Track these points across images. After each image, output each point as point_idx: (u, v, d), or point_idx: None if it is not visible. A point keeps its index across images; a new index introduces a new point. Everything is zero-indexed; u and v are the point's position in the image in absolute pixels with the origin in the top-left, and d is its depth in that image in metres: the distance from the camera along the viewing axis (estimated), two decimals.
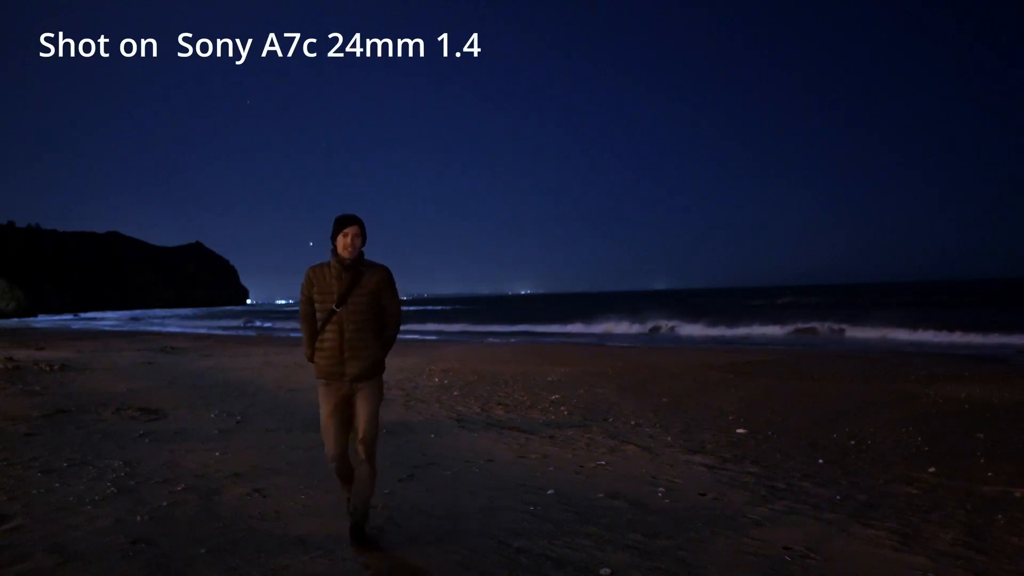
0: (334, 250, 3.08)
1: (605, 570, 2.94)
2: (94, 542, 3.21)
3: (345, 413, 3.11)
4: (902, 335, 18.41)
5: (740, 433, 6.06)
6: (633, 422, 6.59)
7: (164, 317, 57.78)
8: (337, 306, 3.04)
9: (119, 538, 3.26)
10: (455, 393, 8.49)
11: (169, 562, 2.98)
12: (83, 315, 75.54)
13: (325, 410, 3.09)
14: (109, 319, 59.13)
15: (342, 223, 3.06)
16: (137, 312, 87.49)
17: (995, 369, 10.95)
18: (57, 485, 4.19)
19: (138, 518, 3.56)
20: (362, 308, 3.05)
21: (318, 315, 3.10)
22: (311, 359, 3.13)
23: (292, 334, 26.90)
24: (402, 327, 3.35)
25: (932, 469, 4.78)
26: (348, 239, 3.04)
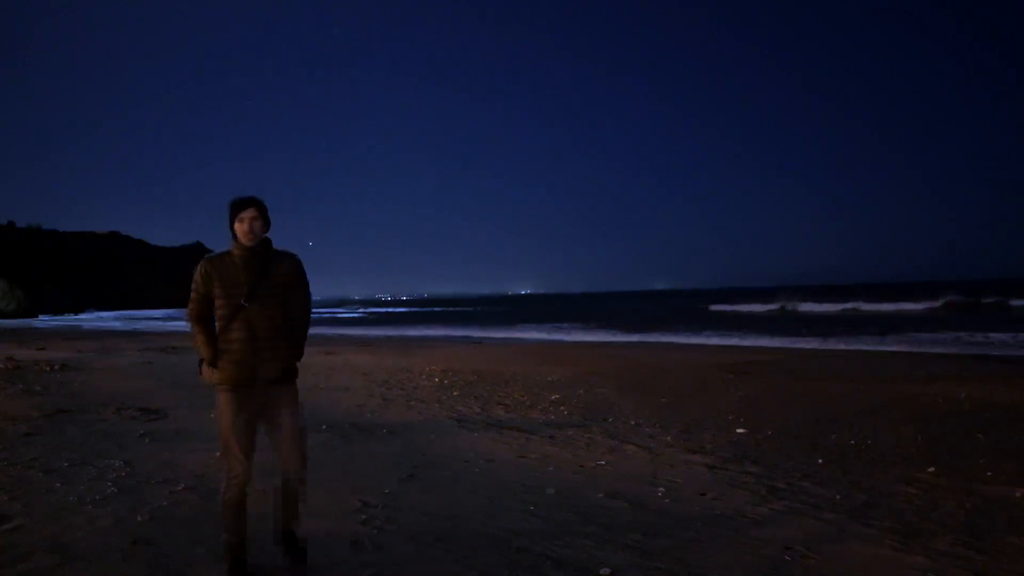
0: (234, 239, 2.80)
1: (605, 570, 2.94)
2: (94, 542, 3.21)
3: (253, 427, 2.80)
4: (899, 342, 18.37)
5: (740, 433, 6.06)
6: (633, 422, 6.59)
7: (152, 319, 57.55)
8: (246, 301, 2.73)
9: (119, 538, 3.26)
10: (455, 393, 8.50)
11: (169, 562, 2.98)
12: (83, 315, 75.54)
13: (229, 421, 2.73)
14: (104, 319, 59.11)
15: (237, 207, 2.77)
16: (136, 312, 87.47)
17: (995, 369, 10.95)
18: (57, 485, 4.19)
19: (138, 518, 3.56)
20: (276, 303, 2.78)
21: (219, 312, 2.76)
22: (213, 363, 2.75)
23: None
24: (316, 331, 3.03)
25: (932, 469, 4.78)
26: (245, 224, 2.75)
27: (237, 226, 2.77)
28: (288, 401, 2.84)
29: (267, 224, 2.83)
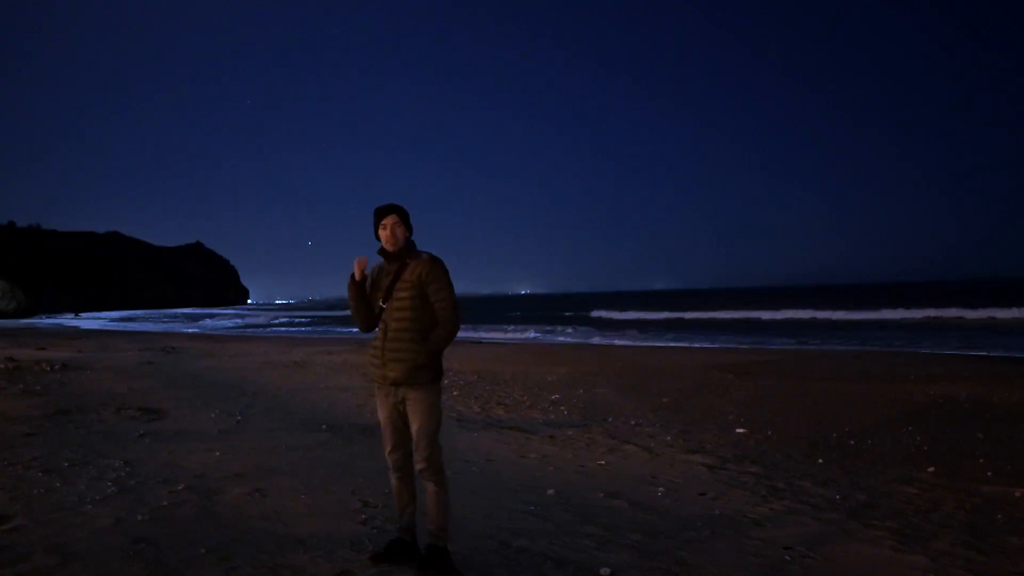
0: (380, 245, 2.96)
1: (605, 570, 2.94)
2: (94, 542, 3.21)
3: (399, 421, 2.92)
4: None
5: (740, 433, 6.06)
6: (633, 422, 6.59)
7: (152, 319, 57.31)
8: (383, 302, 2.86)
9: (119, 538, 3.26)
10: (455, 393, 8.49)
11: (169, 562, 2.98)
12: (83, 315, 75.50)
13: (379, 415, 2.96)
14: (103, 319, 59.06)
15: (379, 214, 2.89)
16: (138, 312, 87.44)
17: (995, 369, 10.95)
18: (57, 485, 4.19)
19: (138, 518, 3.56)
20: (405, 304, 2.81)
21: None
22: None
23: (284, 331, 26.85)
24: None
25: (932, 469, 4.78)
26: (388, 231, 2.86)
27: (381, 232, 2.90)
28: (415, 407, 2.84)
29: (409, 228, 2.93)
